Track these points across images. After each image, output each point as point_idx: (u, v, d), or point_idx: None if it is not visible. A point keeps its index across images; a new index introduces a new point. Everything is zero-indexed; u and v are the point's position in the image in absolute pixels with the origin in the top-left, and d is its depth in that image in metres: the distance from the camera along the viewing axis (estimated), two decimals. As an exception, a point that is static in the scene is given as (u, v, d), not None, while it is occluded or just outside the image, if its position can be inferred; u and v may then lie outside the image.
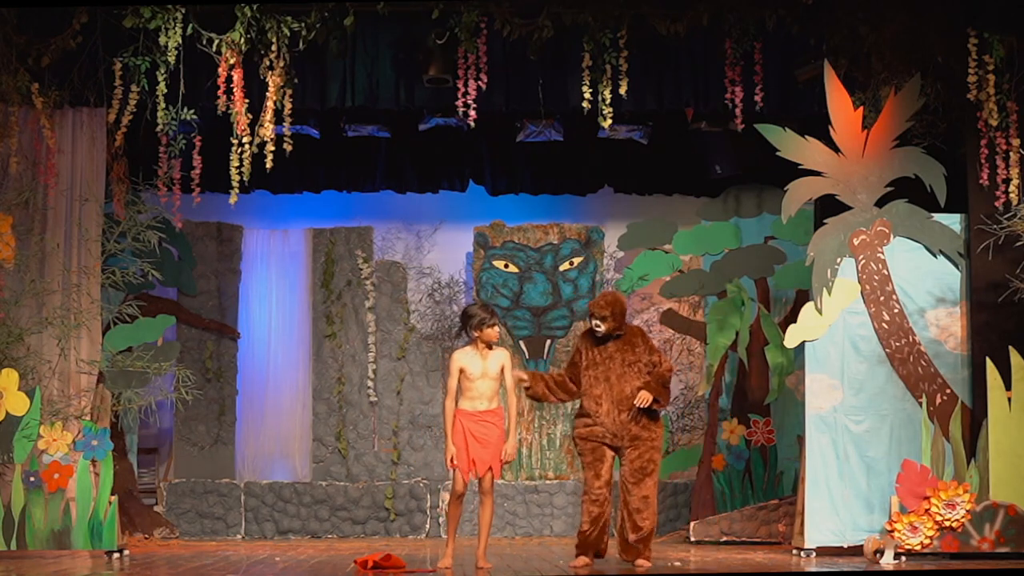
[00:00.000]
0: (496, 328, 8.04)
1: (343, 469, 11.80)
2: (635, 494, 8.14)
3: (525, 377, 8.31)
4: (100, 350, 9.37)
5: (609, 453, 8.23)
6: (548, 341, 11.84)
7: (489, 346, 8.04)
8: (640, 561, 8.18)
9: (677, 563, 8.68)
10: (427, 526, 11.32)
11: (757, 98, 9.48)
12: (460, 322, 8.19)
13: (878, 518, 8.84)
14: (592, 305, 8.35)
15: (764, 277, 11.49)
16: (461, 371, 8.00)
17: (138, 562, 8.79)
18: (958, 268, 9.17)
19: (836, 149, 9.09)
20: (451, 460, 7.98)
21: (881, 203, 9.12)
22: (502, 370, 8.06)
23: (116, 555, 8.83)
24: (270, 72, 9.13)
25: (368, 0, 9.14)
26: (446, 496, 10.53)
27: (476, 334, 8.01)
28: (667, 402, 8.28)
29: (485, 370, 8.00)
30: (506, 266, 11.99)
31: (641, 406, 8.08)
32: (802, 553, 8.92)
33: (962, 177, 9.18)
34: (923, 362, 9.07)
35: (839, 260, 9.07)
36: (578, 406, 8.40)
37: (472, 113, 9.30)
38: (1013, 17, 8.97)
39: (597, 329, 8.24)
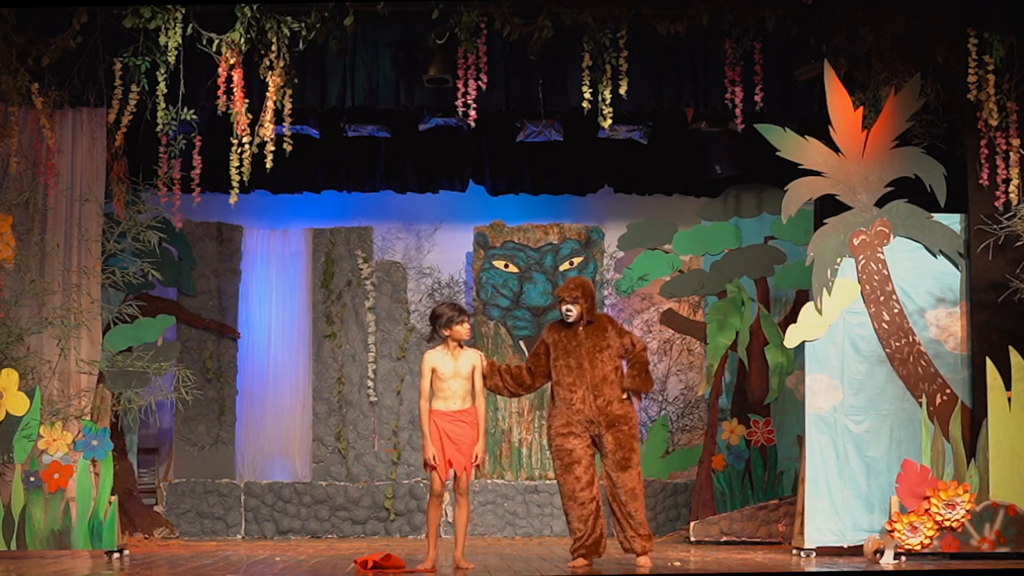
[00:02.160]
0: (466, 325, 8.04)
1: (343, 469, 11.80)
2: (621, 486, 8.11)
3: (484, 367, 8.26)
4: (100, 350, 9.37)
5: (586, 452, 8.16)
6: (548, 341, 11.83)
7: (460, 345, 8.05)
8: (641, 560, 8.16)
9: (677, 563, 8.68)
10: (427, 526, 11.30)
11: (757, 98, 9.48)
12: (430, 324, 8.18)
13: (878, 518, 8.84)
14: (561, 291, 8.29)
15: (764, 277, 11.49)
16: (433, 371, 8.01)
17: (138, 562, 8.79)
18: (958, 268, 9.17)
19: (836, 149, 9.08)
20: (432, 459, 7.97)
21: (881, 203, 9.12)
22: (473, 371, 8.06)
23: (116, 555, 8.83)
24: (270, 72, 9.13)
25: (368, 0, 9.15)
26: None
27: (446, 333, 8.02)
28: (651, 388, 8.26)
29: (457, 370, 8.01)
30: (506, 266, 11.99)
31: (632, 395, 8.14)
32: (802, 553, 8.92)
33: (962, 177, 9.18)
34: (923, 362, 9.07)
35: (839, 260, 9.07)
36: (550, 400, 8.33)
37: (472, 113, 9.30)
38: (1013, 17, 8.98)
39: (568, 315, 8.20)
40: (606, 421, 8.12)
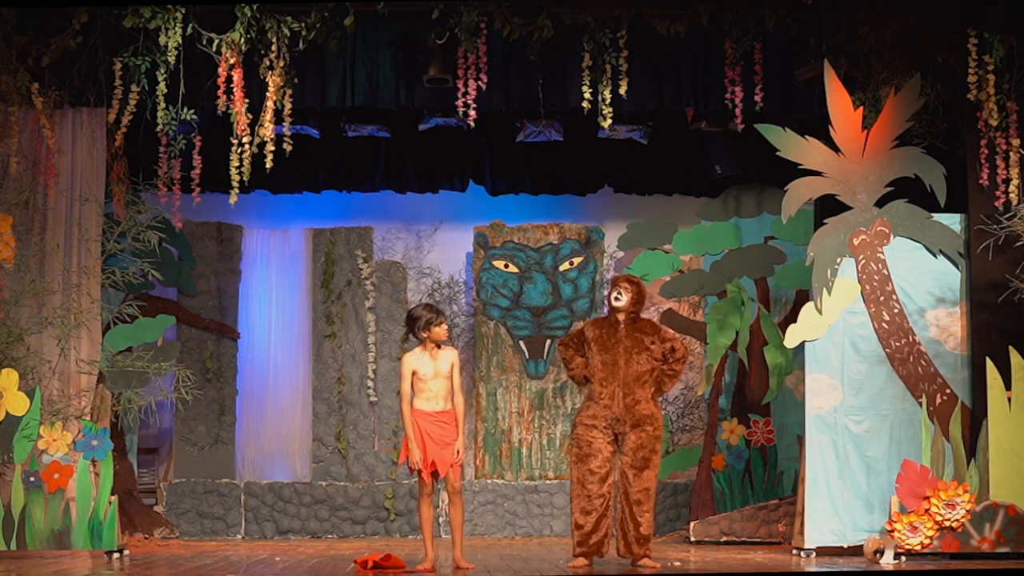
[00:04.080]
0: (444, 326, 8.06)
1: (343, 469, 11.80)
2: (636, 485, 8.09)
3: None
4: (100, 350, 9.37)
5: (605, 447, 8.14)
6: (548, 341, 11.84)
7: (438, 345, 8.06)
8: (646, 561, 8.13)
9: (677, 563, 8.68)
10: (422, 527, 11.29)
11: (757, 98, 9.48)
12: (406, 326, 8.19)
13: (878, 518, 8.84)
14: (619, 277, 8.37)
15: (764, 277, 11.49)
16: (413, 373, 8.02)
17: (138, 562, 8.79)
18: (958, 268, 9.17)
19: (836, 149, 9.09)
20: (418, 461, 7.97)
21: (881, 203, 9.12)
22: (452, 369, 8.07)
23: (116, 555, 8.83)
24: (270, 72, 9.13)
25: (368, 0, 9.15)
26: (444, 496, 10.53)
27: (425, 335, 8.03)
28: (660, 394, 8.25)
29: (437, 370, 8.02)
30: (506, 266, 11.99)
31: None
32: (802, 553, 8.92)
33: (962, 177, 9.18)
34: (923, 362, 9.07)
35: (839, 260, 9.07)
36: (585, 394, 8.36)
37: (472, 113, 9.30)
38: (1013, 17, 8.98)
39: (617, 300, 8.21)
40: (632, 420, 8.10)
